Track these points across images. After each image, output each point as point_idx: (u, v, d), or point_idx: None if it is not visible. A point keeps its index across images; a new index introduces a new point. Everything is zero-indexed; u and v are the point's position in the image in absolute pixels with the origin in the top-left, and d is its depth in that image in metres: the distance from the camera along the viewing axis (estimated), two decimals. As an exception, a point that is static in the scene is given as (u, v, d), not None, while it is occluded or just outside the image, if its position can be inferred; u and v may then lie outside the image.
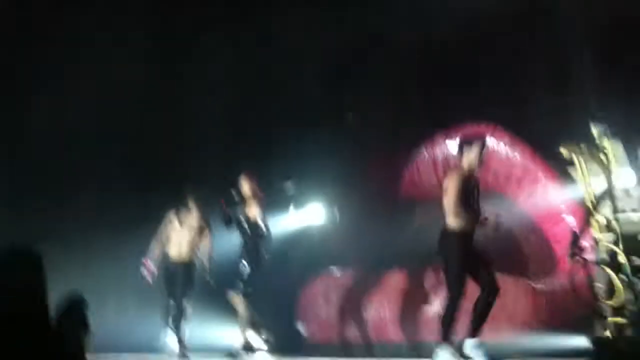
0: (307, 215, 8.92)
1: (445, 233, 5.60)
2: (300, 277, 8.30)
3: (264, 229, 6.71)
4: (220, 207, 6.79)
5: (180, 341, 6.72)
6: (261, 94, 9.45)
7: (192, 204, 7.10)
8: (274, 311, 8.32)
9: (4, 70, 8.51)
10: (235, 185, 6.84)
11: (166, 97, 9.27)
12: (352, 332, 7.56)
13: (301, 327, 8.07)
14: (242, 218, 6.76)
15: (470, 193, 5.74)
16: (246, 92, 9.42)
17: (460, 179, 5.71)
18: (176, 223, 7.08)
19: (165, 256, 7.07)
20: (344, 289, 7.70)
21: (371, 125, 9.16)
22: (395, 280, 7.42)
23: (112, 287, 8.25)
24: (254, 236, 6.70)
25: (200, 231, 7.15)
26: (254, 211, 6.74)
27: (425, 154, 8.67)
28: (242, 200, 6.82)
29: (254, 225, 6.71)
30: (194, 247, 7.10)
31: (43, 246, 2.42)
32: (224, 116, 9.32)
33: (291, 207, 8.86)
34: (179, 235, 7.08)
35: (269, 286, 8.38)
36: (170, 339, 6.94)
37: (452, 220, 5.56)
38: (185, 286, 6.88)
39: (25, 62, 8.64)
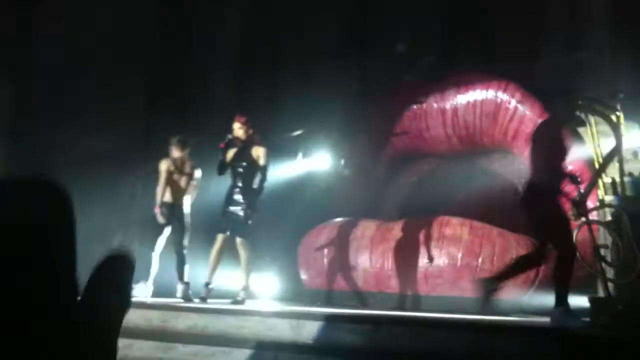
0: (313, 163, 8.91)
1: (537, 189, 5.18)
2: (304, 224, 8.34)
3: (261, 174, 6.63)
4: (219, 152, 6.70)
5: (185, 284, 6.80)
6: (269, 39, 9.32)
7: (180, 151, 7.16)
8: (276, 258, 8.41)
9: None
10: (230, 130, 6.73)
11: (171, 45, 9.14)
12: (352, 282, 7.62)
13: (303, 274, 8.16)
14: (238, 162, 6.68)
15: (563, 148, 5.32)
16: (253, 40, 9.30)
17: (556, 131, 5.35)
18: (171, 169, 7.15)
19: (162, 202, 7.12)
20: (346, 239, 7.73)
21: (378, 76, 9.05)
22: (399, 231, 7.44)
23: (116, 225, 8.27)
24: (250, 180, 6.65)
25: (190, 177, 7.22)
26: (252, 155, 6.66)
27: (434, 106, 8.59)
28: (239, 144, 6.73)
29: (250, 169, 6.64)
30: (185, 192, 7.18)
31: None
32: (229, 63, 9.22)
33: (298, 155, 8.84)
34: (174, 182, 7.14)
35: (272, 232, 8.45)
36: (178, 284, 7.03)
37: (545, 176, 5.17)
38: (182, 231, 6.96)
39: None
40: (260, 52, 9.42)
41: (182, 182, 7.22)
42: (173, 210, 7.08)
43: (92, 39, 8.49)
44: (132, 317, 5.58)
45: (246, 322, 5.09)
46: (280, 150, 8.52)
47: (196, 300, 6.53)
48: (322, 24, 9.19)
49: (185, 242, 6.97)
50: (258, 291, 7.83)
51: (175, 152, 7.22)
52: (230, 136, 6.70)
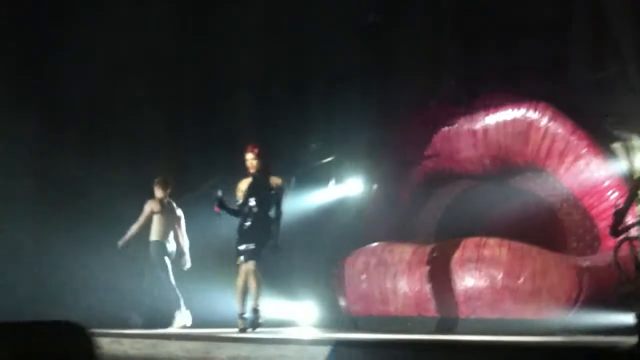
0: (345, 190, 8.92)
1: None
2: (338, 250, 8.33)
3: (276, 202, 6.70)
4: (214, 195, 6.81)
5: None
6: (294, 67, 9.41)
7: (163, 191, 7.66)
8: (311, 285, 8.40)
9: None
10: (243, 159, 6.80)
11: (197, 76, 9.29)
12: (391, 307, 7.58)
13: (341, 301, 8.13)
14: (251, 194, 6.74)
15: None
16: (277, 68, 9.40)
17: None
18: (155, 209, 7.63)
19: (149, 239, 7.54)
20: (383, 263, 7.70)
21: (404, 101, 9.06)
22: (436, 254, 7.39)
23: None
24: (263, 212, 6.71)
25: (175, 215, 7.77)
26: (269, 185, 6.72)
27: (464, 128, 8.56)
28: (252, 175, 6.78)
29: (265, 201, 6.70)
30: (171, 230, 7.68)
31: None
32: (255, 94, 9.34)
33: (330, 182, 8.87)
34: (160, 221, 7.64)
35: (307, 259, 8.45)
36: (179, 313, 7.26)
37: None
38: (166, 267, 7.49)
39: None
40: (286, 80, 9.51)
41: (168, 220, 7.67)
42: (162, 248, 7.54)
43: (118, 72, 8.70)
44: (172, 349, 5.62)
45: (286, 350, 5.07)
46: (311, 178, 8.57)
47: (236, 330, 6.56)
48: (346, 48, 9.27)
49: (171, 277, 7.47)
50: (297, 319, 7.83)
51: (158, 192, 7.63)
52: (219, 193, 6.75)
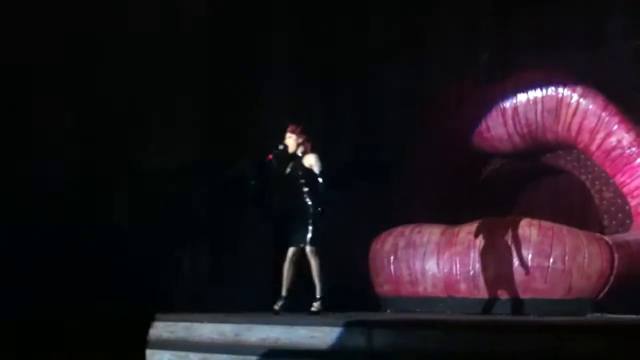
0: (372, 171, 8.90)
1: None
2: (369, 232, 8.34)
3: (321, 180, 6.63)
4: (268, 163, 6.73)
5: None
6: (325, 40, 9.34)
7: None
8: (343, 267, 8.43)
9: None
10: (282, 140, 6.75)
11: (229, 61, 9.28)
12: (421, 288, 7.59)
13: (371, 283, 8.16)
14: (294, 173, 6.70)
15: None
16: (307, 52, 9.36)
17: None
18: None
19: None
20: (412, 244, 7.70)
21: (437, 79, 8.98)
22: (465, 235, 7.37)
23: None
24: (311, 189, 6.67)
25: None
26: (307, 163, 6.68)
27: (494, 106, 8.48)
28: (292, 154, 6.75)
29: (308, 178, 6.66)
30: None
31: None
32: (286, 79, 9.31)
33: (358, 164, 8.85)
34: None
35: (337, 243, 8.48)
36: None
37: None
38: None
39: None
40: (316, 62, 9.47)
41: None
42: None
43: (151, 59, 8.72)
44: (206, 332, 5.72)
45: (316, 332, 5.13)
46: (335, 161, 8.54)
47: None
48: (376, 28, 9.19)
49: None
50: (329, 301, 7.87)
51: None
52: (281, 147, 6.69)
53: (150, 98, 8.42)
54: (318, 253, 6.54)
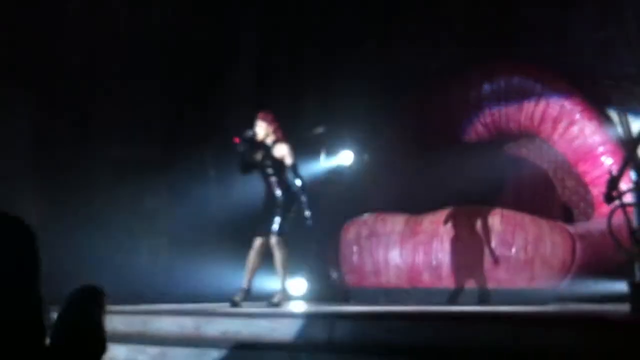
0: (337, 161, 8.84)
1: None
2: (332, 222, 8.27)
3: (292, 171, 6.48)
4: (236, 147, 6.55)
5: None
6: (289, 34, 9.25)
7: None
8: (305, 258, 8.35)
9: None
10: (253, 127, 6.57)
11: (192, 49, 9.08)
12: (384, 278, 7.55)
13: (333, 273, 8.10)
14: (265, 162, 6.55)
15: None
16: (272, 36, 9.24)
17: None
18: None
19: None
20: (375, 234, 7.65)
21: (400, 65, 8.93)
22: (428, 224, 7.34)
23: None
24: (281, 179, 6.53)
25: None
26: (277, 153, 6.53)
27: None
28: (264, 142, 6.58)
29: (278, 168, 6.51)
30: None
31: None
32: (249, 63, 9.18)
33: (322, 153, 8.77)
34: None
35: (299, 232, 8.39)
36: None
37: None
38: None
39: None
40: (280, 48, 9.36)
41: None
42: None
43: (113, 47, 8.47)
44: (165, 325, 5.58)
45: (278, 324, 5.04)
46: (303, 149, 8.45)
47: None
48: (344, 14, 9.11)
49: None
50: (290, 292, 7.78)
51: None
52: (250, 132, 6.51)
53: (112, 87, 8.21)
54: (284, 244, 6.43)
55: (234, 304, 6.38)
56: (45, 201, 7.88)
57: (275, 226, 6.39)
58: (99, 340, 1.62)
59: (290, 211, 6.48)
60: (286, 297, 6.51)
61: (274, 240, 6.39)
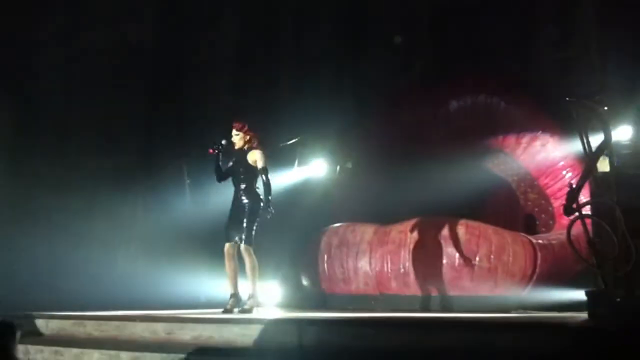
0: (309, 171, 8.96)
1: None
2: (304, 231, 8.40)
3: (263, 175, 6.56)
4: (212, 157, 6.65)
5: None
6: (263, 47, 9.38)
7: None
8: (278, 266, 8.46)
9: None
10: (228, 136, 6.67)
11: (168, 61, 9.17)
12: (353, 285, 7.69)
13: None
14: (237, 169, 6.63)
15: None
16: (246, 49, 9.37)
17: None
18: None
19: None
20: (345, 243, 7.80)
21: (373, 83, 9.13)
22: (396, 234, 7.51)
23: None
24: (251, 184, 6.60)
25: None
26: (250, 159, 6.61)
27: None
28: (236, 150, 6.67)
29: (249, 174, 6.59)
30: None
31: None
32: (224, 74, 9.29)
33: (295, 162, 8.89)
34: None
35: (272, 240, 8.50)
36: None
37: None
38: None
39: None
40: (255, 60, 9.49)
41: None
42: None
43: (91, 59, 8.52)
44: (138, 330, 5.65)
45: (250, 330, 5.14)
46: (276, 158, 8.57)
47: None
48: (316, 31, 9.28)
49: None
50: (261, 299, 7.88)
51: None
52: (224, 141, 6.61)
53: (87, 98, 8.24)
54: (252, 251, 6.50)
55: (227, 312, 6.41)
56: (21, 210, 7.90)
57: (242, 234, 6.45)
58: None
59: (258, 215, 6.54)
60: (257, 302, 6.59)
61: (242, 247, 6.46)
